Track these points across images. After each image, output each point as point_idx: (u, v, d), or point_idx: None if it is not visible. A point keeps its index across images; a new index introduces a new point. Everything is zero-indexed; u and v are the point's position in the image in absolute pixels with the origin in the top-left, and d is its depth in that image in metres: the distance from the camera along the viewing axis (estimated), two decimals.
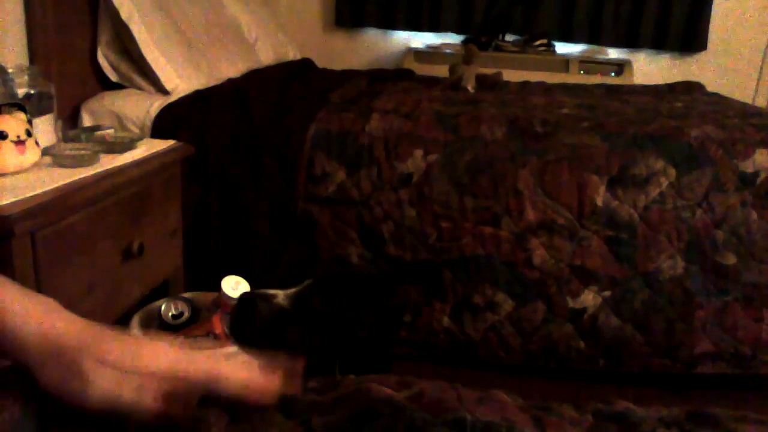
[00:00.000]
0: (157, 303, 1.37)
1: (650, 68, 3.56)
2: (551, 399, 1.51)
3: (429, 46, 3.61)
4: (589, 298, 1.72)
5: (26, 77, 1.34)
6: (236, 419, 0.35)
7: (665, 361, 1.75)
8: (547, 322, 1.74)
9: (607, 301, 1.72)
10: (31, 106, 1.29)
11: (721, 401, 1.80)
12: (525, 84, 2.80)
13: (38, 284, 1.09)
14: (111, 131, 1.59)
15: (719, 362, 1.75)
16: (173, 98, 1.92)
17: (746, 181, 1.66)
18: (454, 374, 1.81)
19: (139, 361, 0.45)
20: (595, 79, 3.15)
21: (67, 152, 1.34)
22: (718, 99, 2.41)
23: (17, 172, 1.19)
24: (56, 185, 1.16)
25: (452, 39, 3.61)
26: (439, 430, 0.36)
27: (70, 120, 1.87)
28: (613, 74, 3.32)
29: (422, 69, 3.16)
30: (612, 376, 1.82)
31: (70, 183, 1.19)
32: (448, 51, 3.47)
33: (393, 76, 2.75)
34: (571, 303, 1.73)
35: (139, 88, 2.00)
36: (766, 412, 1.60)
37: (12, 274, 1.00)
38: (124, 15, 1.85)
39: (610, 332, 1.73)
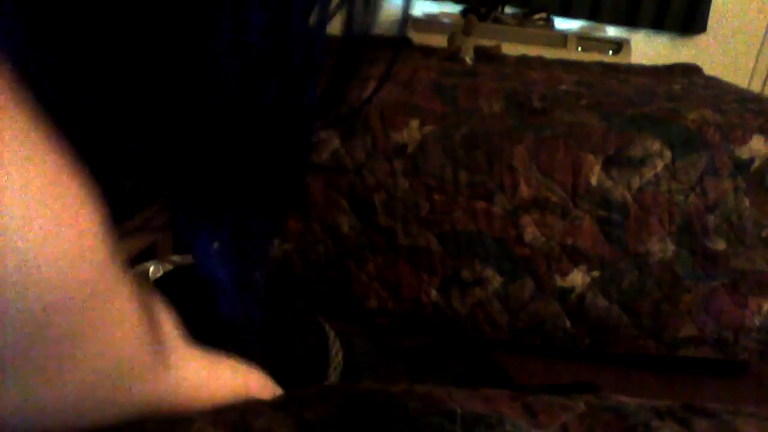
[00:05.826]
0: (146, 265, 1.35)
1: (648, 48, 3.54)
2: (533, 374, 1.51)
3: (427, 15, 3.56)
4: (577, 278, 1.72)
5: None
6: (223, 409, 0.34)
7: (649, 342, 1.77)
8: (535, 300, 1.75)
9: (596, 281, 1.72)
10: None
11: (700, 384, 1.82)
12: (523, 58, 2.77)
13: None
14: None
15: (702, 346, 1.76)
16: None
17: (741, 167, 1.66)
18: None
19: None
20: (593, 57, 3.12)
21: None
22: (715, 83, 2.40)
23: None
24: None
25: (451, 8, 3.56)
26: (434, 419, 0.36)
27: None
28: (610, 52, 3.29)
29: (419, 38, 3.11)
30: (594, 355, 1.83)
31: None
32: (446, 21, 3.43)
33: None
34: (559, 282, 1.73)
35: None
36: (742, 397, 1.61)
37: None
38: None
39: (597, 312, 1.74)
